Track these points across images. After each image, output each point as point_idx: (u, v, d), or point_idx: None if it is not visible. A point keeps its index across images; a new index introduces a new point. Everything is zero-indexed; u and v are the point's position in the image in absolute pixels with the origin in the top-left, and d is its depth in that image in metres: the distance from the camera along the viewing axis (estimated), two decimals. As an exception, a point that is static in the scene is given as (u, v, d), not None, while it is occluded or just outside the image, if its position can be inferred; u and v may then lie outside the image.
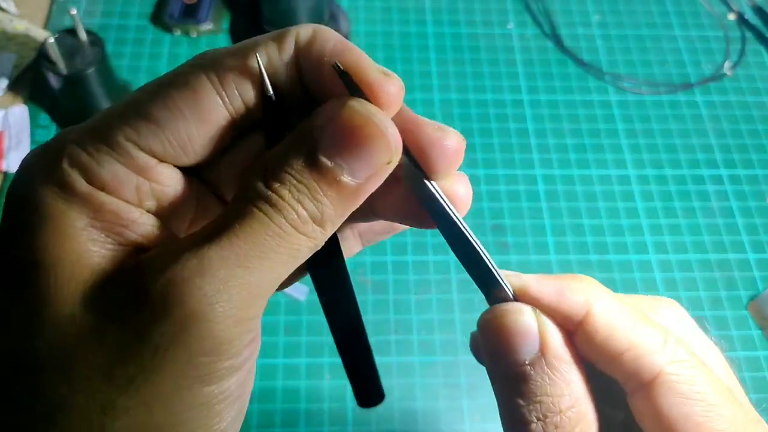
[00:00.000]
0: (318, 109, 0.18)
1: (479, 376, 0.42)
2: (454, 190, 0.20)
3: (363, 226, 0.23)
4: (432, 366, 0.42)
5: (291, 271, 0.18)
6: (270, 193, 0.17)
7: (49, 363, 0.16)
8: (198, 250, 0.16)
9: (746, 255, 0.48)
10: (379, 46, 0.57)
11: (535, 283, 0.20)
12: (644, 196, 0.51)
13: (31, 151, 0.18)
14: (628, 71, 0.58)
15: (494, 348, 0.19)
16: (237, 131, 0.19)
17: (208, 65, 0.18)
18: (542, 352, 0.19)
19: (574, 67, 0.57)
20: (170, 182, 0.19)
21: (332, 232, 0.18)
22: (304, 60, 0.19)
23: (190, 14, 0.56)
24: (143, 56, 0.55)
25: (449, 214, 0.19)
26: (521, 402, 0.19)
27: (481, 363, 0.21)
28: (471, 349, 0.22)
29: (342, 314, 0.22)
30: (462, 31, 0.59)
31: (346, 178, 0.17)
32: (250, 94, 0.18)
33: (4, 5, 0.55)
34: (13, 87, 0.52)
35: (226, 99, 0.18)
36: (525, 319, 0.19)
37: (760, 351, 0.44)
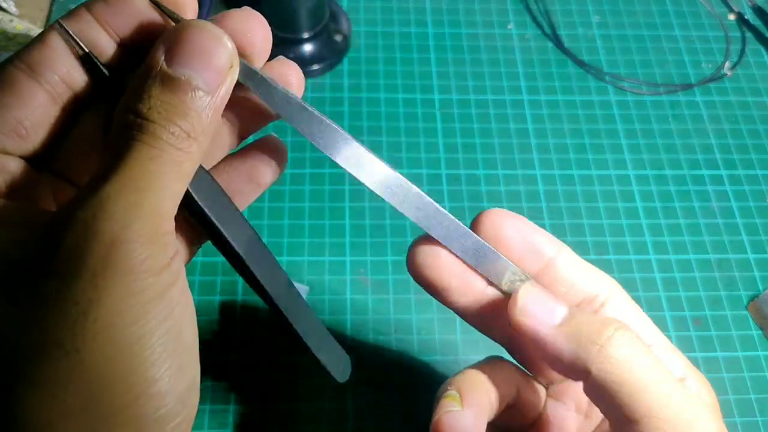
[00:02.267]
0: (157, 39, 0.20)
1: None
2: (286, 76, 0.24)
3: (230, 184, 0.24)
4: (432, 365, 0.42)
5: (185, 185, 0.20)
6: (140, 120, 0.18)
7: None
8: (97, 192, 0.18)
9: (746, 255, 0.48)
10: (380, 46, 0.57)
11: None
12: (644, 196, 0.51)
13: None
14: (628, 71, 0.58)
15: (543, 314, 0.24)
16: (70, 109, 0.21)
17: (16, 57, 0.20)
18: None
19: (574, 67, 0.57)
20: (18, 172, 0.20)
21: (207, 144, 0.20)
22: (113, 23, 0.21)
23: (191, 14, 0.56)
24: (143, 56, 0.55)
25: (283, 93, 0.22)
26: (583, 327, 0.23)
27: None
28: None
29: (259, 263, 0.23)
30: (462, 31, 0.59)
31: (197, 85, 0.19)
32: (69, 73, 0.20)
33: (4, 5, 0.55)
34: (14, 87, 0.52)
35: (42, 80, 0.20)
36: (543, 294, 0.24)
37: (760, 351, 0.44)
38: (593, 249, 0.48)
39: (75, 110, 0.21)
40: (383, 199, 0.23)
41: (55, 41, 0.21)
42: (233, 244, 0.22)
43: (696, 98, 0.56)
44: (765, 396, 0.43)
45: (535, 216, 0.49)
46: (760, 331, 0.45)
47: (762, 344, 0.45)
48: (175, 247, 0.19)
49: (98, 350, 0.17)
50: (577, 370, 0.23)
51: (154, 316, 0.18)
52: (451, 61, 0.57)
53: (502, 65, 0.57)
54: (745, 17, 0.61)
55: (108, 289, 0.17)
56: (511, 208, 0.49)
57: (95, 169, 0.19)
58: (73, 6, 0.48)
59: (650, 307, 0.45)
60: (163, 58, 0.19)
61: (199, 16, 0.65)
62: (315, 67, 0.55)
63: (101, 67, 0.21)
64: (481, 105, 0.54)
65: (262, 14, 0.62)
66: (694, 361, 0.43)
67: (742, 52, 0.59)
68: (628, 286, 0.46)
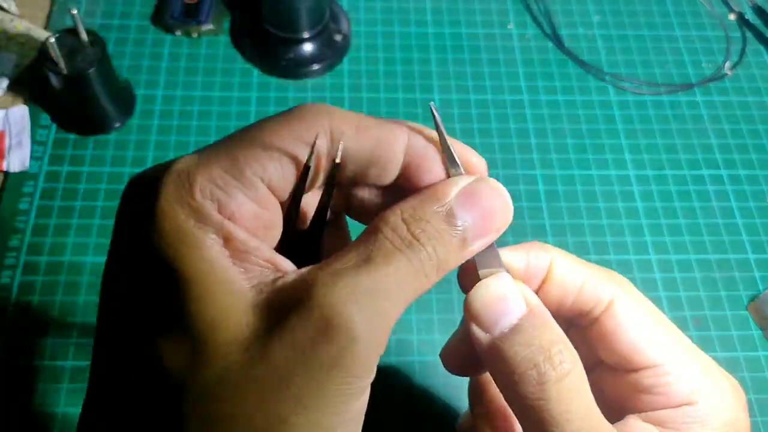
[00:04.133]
0: (453, 176, 0.22)
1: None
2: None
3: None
4: (432, 365, 0.42)
5: (410, 304, 0.20)
6: (411, 237, 0.19)
7: (218, 389, 0.17)
8: (352, 280, 0.18)
9: (746, 255, 0.48)
10: (380, 46, 0.57)
11: (506, 255, 0.25)
12: (644, 197, 0.51)
13: (153, 171, 0.19)
14: (628, 71, 0.58)
15: (490, 316, 0.23)
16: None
17: (325, 113, 0.20)
18: (528, 308, 0.23)
19: (575, 67, 0.57)
20: (276, 212, 0.20)
21: (441, 278, 0.21)
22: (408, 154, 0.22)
23: (191, 15, 0.56)
24: (144, 56, 0.55)
25: None
26: (519, 351, 0.22)
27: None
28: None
29: None
30: (462, 31, 0.59)
31: (468, 236, 0.20)
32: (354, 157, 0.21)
33: (4, 5, 0.55)
34: (14, 87, 0.52)
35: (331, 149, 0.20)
36: (509, 287, 0.23)
37: (760, 351, 0.44)
38: (593, 249, 0.48)
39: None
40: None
41: (368, 131, 0.21)
42: None
43: (696, 98, 0.56)
44: (765, 396, 0.43)
45: (535, 216, 0.49)
46: (760, 332, 0.45)
47: (762, 344, 0.45)
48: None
49: None
50: (586, 310, 0.25)
51: (351, 418, 0.19)
52: (451, 61, 0.57)
53: (502, 65, 0.57)
54: (746, 17, 0.61)
55: (329, 383, 0.18)
56: (511, 208, 0.49)
57: (343, 253, 0.19)
58: (72, 6, 0.48)
59: (650, 307, 0.45)
60: (455, 196, 0.21)
61: (200, 17, 0.64)
62: (315, 67, 0.55)
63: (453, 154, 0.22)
64: (481, 105, 0.54)
65: (262, 14, 0.62)
66: (694, 361, 0.44)
67: (743, 52, 0.59)
68: (628, 286, 0.47)
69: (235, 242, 0.18)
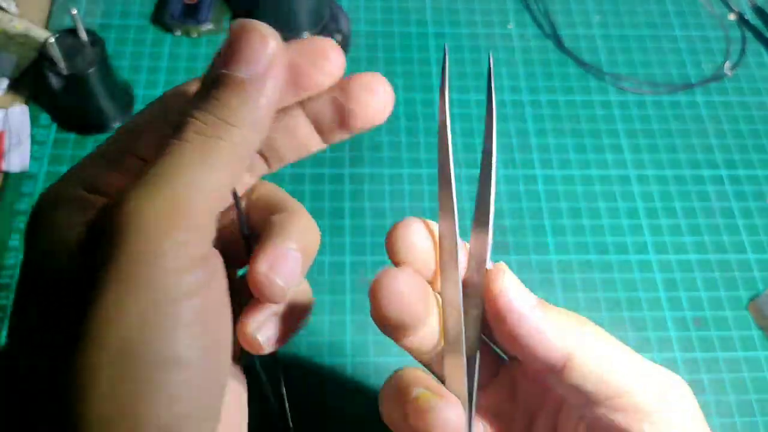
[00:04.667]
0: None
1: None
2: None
3: (317, 116, 0.23)
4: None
5: (229, 175, 0.19)
6: (181, 127, 0.19)
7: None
8: (130, 190, 0.18)
9: (746, 255, 0.48)
10: (380, 46, 0.57)
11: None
12: (644, 197, 0.51)
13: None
14: (628, 71, 0.58)
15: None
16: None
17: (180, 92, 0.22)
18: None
19: (575, 67, 0.57)
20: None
21: (257, 134, 0.20)
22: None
23: (191, 14, 0.56)
24: (144, 56, 0.55)
25: None
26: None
27: None
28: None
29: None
30: (462, 31, 0.59)
31: (240, 74, 0.19)
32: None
33: (4, 5, 0.55)
34: (14, 87, 0.52)
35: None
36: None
37: (760, 351, 0.44)
38: (593, 249, 0.48)
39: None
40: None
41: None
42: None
43: (696, 98, 0.56)
44: (765, 396, 0.43)
45: (535, 216, 0.49)
46: (760, 331, 0.45)
47: (762, 344, 0.45)
48: (208, 246, 0.19)
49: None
50: (556, 354, 0.21)
51: (182, 285, 0.18)
52: (451, 61, 0.57)
53: (502, 65, 0.57)
54: (745, 17, 0.61)
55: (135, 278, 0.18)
56: (511, 208, 0.49)
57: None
58: (72, 6, 0.48)
59: (650, 307, 0.45)
60: (220, 64, 0.20)
61: (200, 17, 0.64)
62: (315, 67, 0.55)
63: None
64: (482, 105, 0.54)
65: (262, 14, 0.62)
66: (694, 362, 0.44)
67: (742, 52, 0.59)
68: (629, 286, 0.47)
69: (84, 200, 0.20)
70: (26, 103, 0.51)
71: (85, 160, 0.21)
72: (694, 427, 0.22)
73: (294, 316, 0.24)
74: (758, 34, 0.60)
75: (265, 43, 0.20)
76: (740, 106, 0.56)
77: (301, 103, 0.22)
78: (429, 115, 0.53)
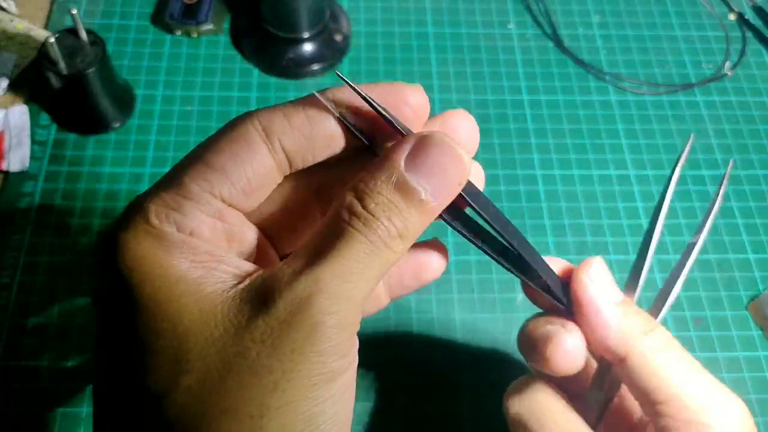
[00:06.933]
0: (399, 138, 0.21)
1: (478, 375, 0.42)
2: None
3: (393, 277, 0.26)
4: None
5: (380, 281, 0.21)
6: (366, 213, 0.20)
7: (200, 388, 0.19)
8: (313, 271, 0.19)
9: (746, 255, 0.48)
10: (380, 46, 0.57)
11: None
12: (644, 197, 0.51)
13: (111, 227, 0.21)
14: (628, 71, 0.58)
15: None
16: (284, 179, 0.22)
17: (255, 117, 0.21)
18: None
19: (575, 67, 0.57)
20: (236, 223, 0.22)
21: (410, 245, 0.21)
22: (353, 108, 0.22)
23: (191, 15, 0.56)
24: (144, 56, 0.55)
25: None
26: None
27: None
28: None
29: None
30: (462, 31, 0.59)
31: (426, 197, 0.20)
32: (293, 144, 0.21)
33: (4, 5, 0.55)
34: (14, 87, 0.52)
35: (273, 147, 0.21)
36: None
37: (760, 351, 0.44)
38: (593, 249, 0.48)
39: (284, 182, 0.23)
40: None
41: (296, 115, 0.21)
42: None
43: (696, 98, 0.56)
44: (765, 396, 0.43)
45: (535, 216, 0.49)
46: (760, 332, 0.45)
47: (762, 344, 0.45)
48: (355, 339, 0.20)
49: (278, 420, 0.18)
50: (616, 353, 0.26)
51: (330, 397, 0.19)
52: (451, 61, 0.57)
53: (502, 65, 0.57)
54: (746, 17, 0.61)
55: (300, 365, 0.18)
56: (511, 208, 0.49)
57: (308, 242, 0.20)
58: (72, 6, 0.49)
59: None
60: (403, 164, 0.20)
61: (200, 17, 0.64)
62: (315, 67, 0.55)
63: (355, 131, 0.22)
64: (481, 105, 0.54)
65: (262, 14, 0.63)
66: (694, 361, 0.44)
67: (743, 52, 0.59)
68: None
69: (202, 255, 0.20)
70: (26, 103, 0.51)
71: (161, 186, 0.21)
72: None
73: None
74: (758, 34, 0.60)
75: (461, 167, 0.21)
76: (740, 105, 0.56)
77: None
78: (429, 115, 0.53)
